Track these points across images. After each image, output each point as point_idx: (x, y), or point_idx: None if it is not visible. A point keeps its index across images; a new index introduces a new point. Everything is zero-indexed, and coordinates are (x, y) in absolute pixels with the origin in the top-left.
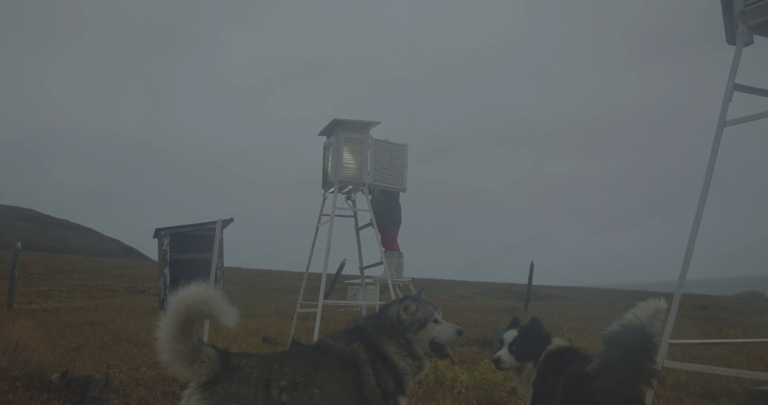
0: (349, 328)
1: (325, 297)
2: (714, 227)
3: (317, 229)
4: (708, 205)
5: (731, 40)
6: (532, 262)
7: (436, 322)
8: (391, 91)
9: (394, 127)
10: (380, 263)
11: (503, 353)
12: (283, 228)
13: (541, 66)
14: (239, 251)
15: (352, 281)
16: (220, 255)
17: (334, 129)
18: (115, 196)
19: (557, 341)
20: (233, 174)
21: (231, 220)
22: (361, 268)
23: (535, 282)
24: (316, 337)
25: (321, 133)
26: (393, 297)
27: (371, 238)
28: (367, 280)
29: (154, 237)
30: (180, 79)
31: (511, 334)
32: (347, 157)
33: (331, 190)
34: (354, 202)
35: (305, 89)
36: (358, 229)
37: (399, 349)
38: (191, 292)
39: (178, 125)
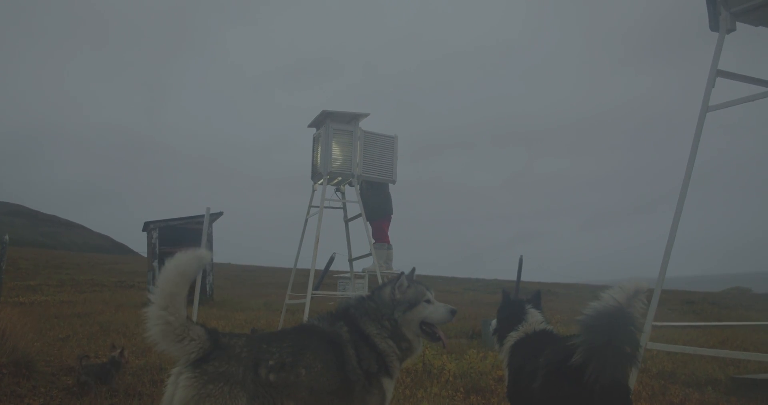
0: (336, 309)
1: (315, 289)
2: (703, 227)
3: (306, 220)
4: (698, 206)
5: (714, 27)
6: (521, 256)
7: (428, 301)
8: (387, 88)
9: (389, 124)
10: (369, 255)
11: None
12: (276, 224)
13: (536, 65)
14: (230, 247)
15: (341, 275)
16: (209, 249)
17: (323, 121)
18: (111, 191)
19: (532, 325)
20: (230, 169)
21: (220, 214)
22: (350, 260)
23: (525, 278)
24: None
25: (310, 125)
26: None
27: (360, 230)
28: (357, 273)
29: (144, 230)
30: (184, 75)
31: None
32: (336, 149)
33: (320, 182)
34: (343, 193)
35: (305, 84)
36: (347, 221)
37: (380, 330)
38: (172, 264)
39: (180, 120)
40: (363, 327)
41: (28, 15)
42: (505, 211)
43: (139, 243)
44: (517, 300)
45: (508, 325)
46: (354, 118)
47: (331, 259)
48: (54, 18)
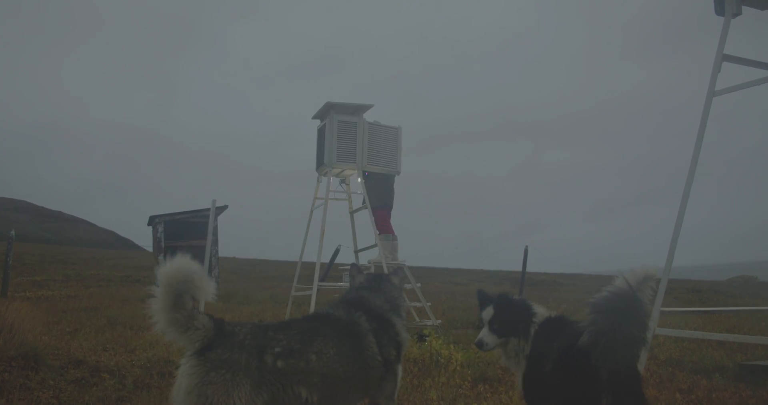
0: (348, 297)
1: (321, 280)
2: (708, 216)
3: (311, 212)
4: (703, 195)
5: (720, 11)
6: (527, 246)
7: None
8: (393, 78)
9: (394, 115)
10: (374, 246)
11: (485, 334)
12: (282, 217)
13: (537, 56)
14: (235, 240)
15: (346, 267)
16: (215, 242)
17: (327, 112)
18: (116, 187)
19: (542, 311)
20: (238, 163)
21: (225, 207)
22: (356, 252)
23: (530, 269)
24: None
25: (314, 117)
26: None
27: (365, 221)
28: (363, 264)
29: (149, 224)
30: (192, 71)
31: (488, 312)
32: (341, 141)
33: (324, 174)
34: (348, 185)
35: (314, 76)
36: (352, 213)
37: (401, 320)
38: (174, 268)
39: (188, 117)
40: (388, 317)
41: (34, 12)
42: (511, 201)
43: (144, 238)
44: (519, 301)
45: (515, 329)
46: (358, 109)
47: (337, 251)
48: (61, 15)
